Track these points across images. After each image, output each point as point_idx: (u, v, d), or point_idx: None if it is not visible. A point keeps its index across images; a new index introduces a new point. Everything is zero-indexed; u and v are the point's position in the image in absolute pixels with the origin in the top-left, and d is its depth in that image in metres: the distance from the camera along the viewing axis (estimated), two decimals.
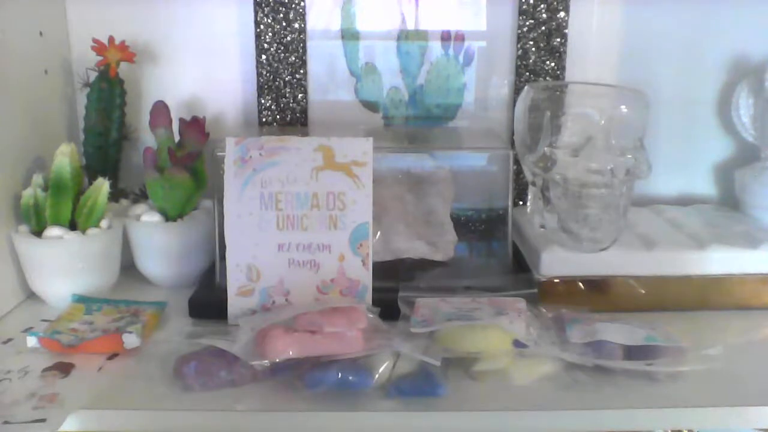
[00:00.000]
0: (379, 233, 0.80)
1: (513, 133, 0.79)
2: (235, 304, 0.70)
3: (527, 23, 0.89)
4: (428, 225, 0.82)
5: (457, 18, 0.91)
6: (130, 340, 0.65)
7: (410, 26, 0.91)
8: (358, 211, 0.70)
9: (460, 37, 0.92)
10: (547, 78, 0.91)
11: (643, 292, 0.75)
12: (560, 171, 0.72)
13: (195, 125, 0.81)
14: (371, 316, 0.65)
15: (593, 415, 0.58)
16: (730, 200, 0.96)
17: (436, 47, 0.92)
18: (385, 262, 0.80)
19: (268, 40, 0.89)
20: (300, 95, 0.91)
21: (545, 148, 0.73)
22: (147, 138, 0.89)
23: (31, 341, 0.65)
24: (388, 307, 0.67)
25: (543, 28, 0.89)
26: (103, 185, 0.75)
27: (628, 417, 0.58)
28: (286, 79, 0.90)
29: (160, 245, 0.79)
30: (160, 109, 0.80)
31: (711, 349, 0.63)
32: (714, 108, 0.96)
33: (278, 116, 0.91)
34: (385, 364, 0.60)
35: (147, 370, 0.62)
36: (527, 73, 0.91)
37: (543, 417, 0.57)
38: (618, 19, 0.93)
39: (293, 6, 0.88)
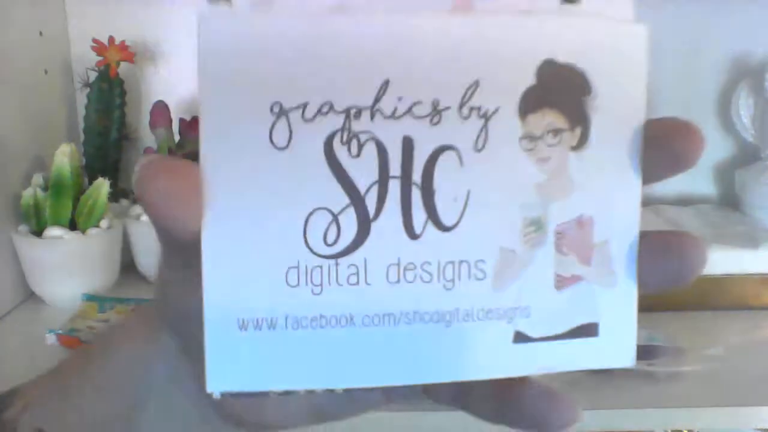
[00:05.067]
0: None
1: None
2: None
3: None
4: None
5: None
6: None
7: None
8: None
9: None
10: None
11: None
12: None
13: (195, 125, 0.81)
14: None
15: (593, 415, 0.57)
16: (730, 200, 0.96)
17: None
18: None
19: None
20: None
21: None
22: (147, 138, 0.88)
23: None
24: None
25: None
26: (103, 185, 0.75)
27: (628, 417, 0.58)
28: None
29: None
30: (160, 109, 0.80)
31: (711, 349, 0.63)
32: (714, 108, 0.96)
33: None
34: None
35: None
36: None
37: None
38: None
39: None
